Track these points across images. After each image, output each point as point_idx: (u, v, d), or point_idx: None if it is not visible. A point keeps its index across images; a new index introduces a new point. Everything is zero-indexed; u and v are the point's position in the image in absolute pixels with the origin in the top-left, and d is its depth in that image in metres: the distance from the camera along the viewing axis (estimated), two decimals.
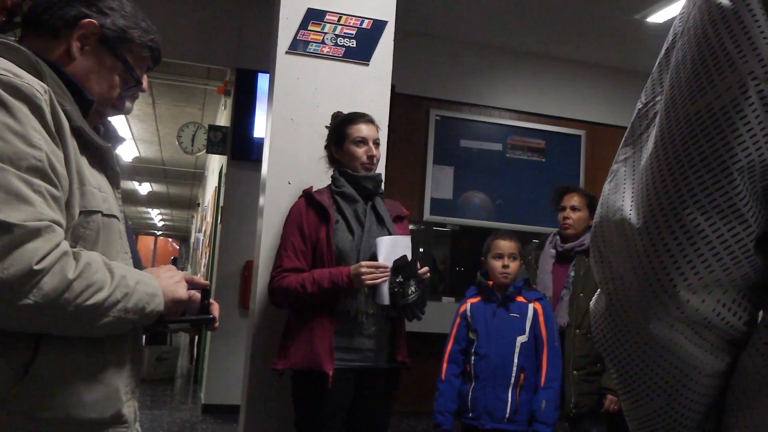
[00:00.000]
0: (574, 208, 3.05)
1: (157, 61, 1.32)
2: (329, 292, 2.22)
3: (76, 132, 1.11)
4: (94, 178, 1.15)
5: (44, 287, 0.97)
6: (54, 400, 1.05)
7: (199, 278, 1.35)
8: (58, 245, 1.00)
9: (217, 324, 1.35)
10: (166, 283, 1.20)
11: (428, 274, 2.35)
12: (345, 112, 2.50)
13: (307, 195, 2.39)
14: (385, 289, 2.25)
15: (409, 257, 2.29)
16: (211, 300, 1.35)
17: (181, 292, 1.24)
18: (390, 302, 2.26)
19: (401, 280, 2.25)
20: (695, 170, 0.55)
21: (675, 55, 0.61)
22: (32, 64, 1.09)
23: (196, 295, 1.34)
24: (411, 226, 5.61)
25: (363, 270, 2.20)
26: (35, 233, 0.97)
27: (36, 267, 0.96)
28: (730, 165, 0.54)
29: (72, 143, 1.09)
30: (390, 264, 2.26)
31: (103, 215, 1.14)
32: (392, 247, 2.28)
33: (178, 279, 1.25)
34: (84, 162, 1.13)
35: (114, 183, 1.23)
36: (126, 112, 1.33)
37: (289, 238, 2.33)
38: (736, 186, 0.54)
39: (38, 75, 1.08)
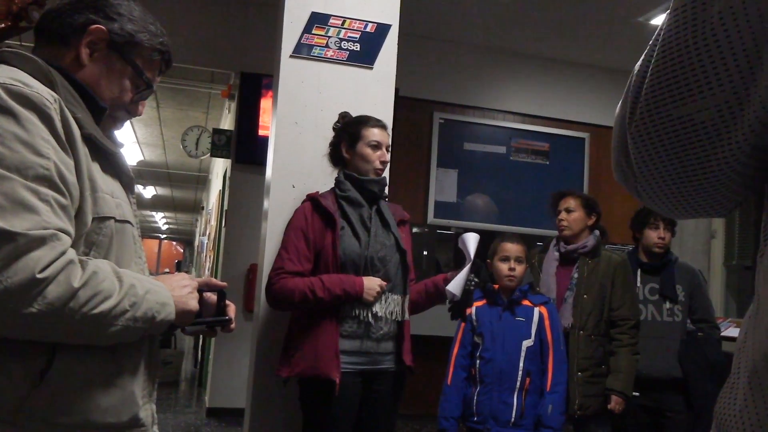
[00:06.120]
0: (568, 210, 3.08)
1: (169, 64, 1.34)
2: (339, 299, 2.23)
3: (88, 139, 1.11)
4: (107, 184, 1.15)
5: (48, 296, 0.97)
6: (71, 405, 1.05)
7: (216, 280, 1.36)
8: (63, 253, 0.99)
9: (233, 325, 1.36)
10: (177, 294, 1.20)
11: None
12: (349, 115, 2.51)
13: (313, 200, 2.37)
14: (462, 281, 2.33)
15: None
16: (228, 302, 1.36)
17: (192, 303, 1.24)
18: (459, 295, 2.34)
19: (476, 281, 2.37)
20: None
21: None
22: (44, 72, 1.10)
23: (213, 297, 1.35)
24: (415, 229, 5.65)
25: (378, 285, 2.26)
26: (39, 242, 0.97)
27: (39, 276, 0.96)
28: None
29: (83, 150, 1.10)
30: (472, 259, 2.36)
31: (116, 221, 1.15)
32: (475, 246, 2.38)
33: (190, 289, 1.24)
34: (96, 168, 1.13)
35: (128, 188, 1.24)
36: (138, 114, 1.34)
37: (293, 241, 2.31)
38: None
39: (50, 84, 1.09)
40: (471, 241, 2.37)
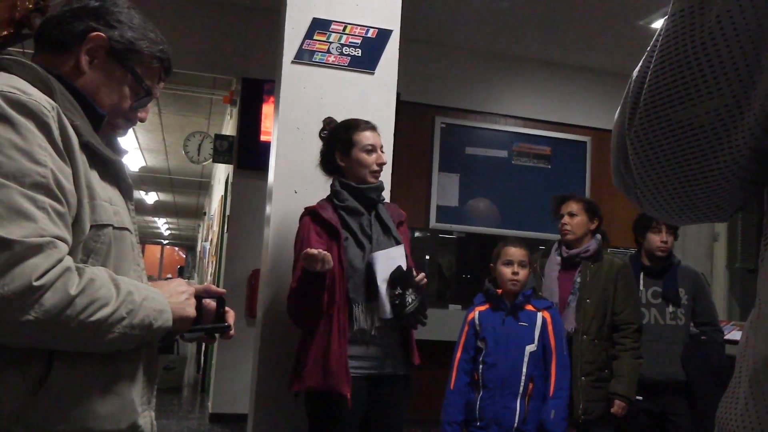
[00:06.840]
0: (571, 214, 3.08)
1: (168, 72, 1.34)
2: (310, 279, 2.15)
3: (86, 146, 1.12)
4: (105, 191, 1.15)
5: (45, 303, 0.97)
6: (69, 412, 1.05)
7: (216, 287, 1.36)
8: (60, 261, 0.99)
9: (232, 332, 1.36)
10: (175, 301, 1.20)
11: (425, 280, 2.32)
12: (335, 120, 2.49)
13: (312, 213, 2.33)
14: (386, 302, 2.25)
15: (404, 266, 2.28)
16: (227, 308, 1.36)
17: (189, 310, 1.24)
18: (392, 314, 2.25)
19: (400, 291, 2.24)
20: None
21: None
22: (43, 80, 1.10)
23: (212, 303, 1.35)
24: (417, 234, 5.65)
25: (313, 253, 2.10)
26: (36, 249, 0.96)
27: (36, 283, 0.95)
28: None
29: (81, 158, 1.10)
30: (382, 281, 2.25)
31: (115, 228, 1.14)
32: (387, 260, 2.27)
33: (187, 296, 1.24)
34: (94, 176, 1.13)
35: (127, 195, 1.24)
36: (141, 120, 1.34)
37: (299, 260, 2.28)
38: None
39: (48, 91, 1.09)
40: (376, 262, 2.27)
